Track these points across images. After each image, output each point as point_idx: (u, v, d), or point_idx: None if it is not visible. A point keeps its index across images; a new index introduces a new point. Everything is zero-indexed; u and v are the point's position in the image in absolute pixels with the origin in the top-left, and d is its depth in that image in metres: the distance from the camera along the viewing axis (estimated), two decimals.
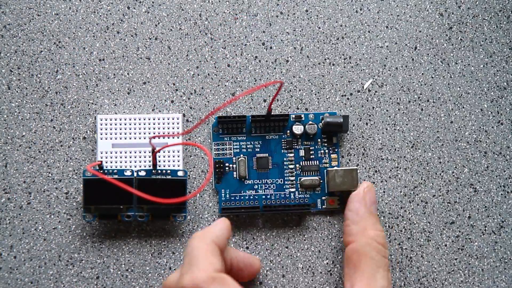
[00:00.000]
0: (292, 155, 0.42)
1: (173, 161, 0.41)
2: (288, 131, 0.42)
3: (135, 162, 0.41)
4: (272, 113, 0.42)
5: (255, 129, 0.42)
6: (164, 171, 0.40)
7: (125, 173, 0.40)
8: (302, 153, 0.42)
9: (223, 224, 0.37)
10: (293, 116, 0.42)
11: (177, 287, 0.34)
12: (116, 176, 0.40)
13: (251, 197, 0.42)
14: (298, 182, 0.42)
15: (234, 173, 0.42)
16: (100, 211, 0.40)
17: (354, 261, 0.38)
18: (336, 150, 0.42)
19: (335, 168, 0.41)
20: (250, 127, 0.42)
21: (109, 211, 0.40)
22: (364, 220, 0.39)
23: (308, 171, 0.42)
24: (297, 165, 0.42)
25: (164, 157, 0.41)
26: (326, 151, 0.42)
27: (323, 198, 0.42)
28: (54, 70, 0.43)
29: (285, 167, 0.42)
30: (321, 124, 0.42)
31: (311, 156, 0.42)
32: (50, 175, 0.42)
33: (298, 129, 0.42)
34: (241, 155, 0.42)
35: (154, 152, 0.39)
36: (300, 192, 0.42)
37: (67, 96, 0.42)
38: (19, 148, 0.42)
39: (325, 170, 0.42)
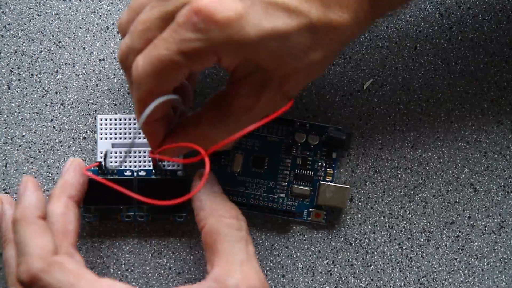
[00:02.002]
0: (289, 161, 0.42)
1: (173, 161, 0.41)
2: (291, 137, 0.42)
3: (135, 162, 0.41)
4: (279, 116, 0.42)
5: (258, 128, 0.42)
6: (164, 171, 0.40)
7: (125, 173, 0.40)
8: (299, 161, 0.42)
9: (31, 186, 0.36)
10: (298, 123, 0.42)
11: (18, 280, 0.33)
12: (116, 176, 0.40)
13: (240, 193, 0.42)
14: (289, 188, 0.42)
15: (229, 167, 0.42)
16: (100, 211, 0.40)
17: (210, 243, 0.36)
18: (333, 165, 0.42)
19: (328, 183, 0.41)
20: None
21: (109, 211, 0.40)
22: (209, 201, 0.37)
23: (301, 180, 0.42)
24: (292, 172, 0.42)
25: None
26: (323, 164, 0.42)
27: (310, 209, 0.42)
28: (54, 70, 0.43)
29: (279, 171, 0.42)
30: (324, 136, 0.42)
31: (307, 166, 0.42)
32: (50, 175, 0.42)
33: (300, 136, 0.42)
34: (239, 151, 0.42)
35: (153, 159, 0.39)
36: (289, 199, 0.42)
37: (67, 96, 0.42)
38: (19, 148, 0.42)
39: (317, 183, 0.42)
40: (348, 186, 0.41)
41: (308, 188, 0.41)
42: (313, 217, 0.42)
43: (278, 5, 0.30)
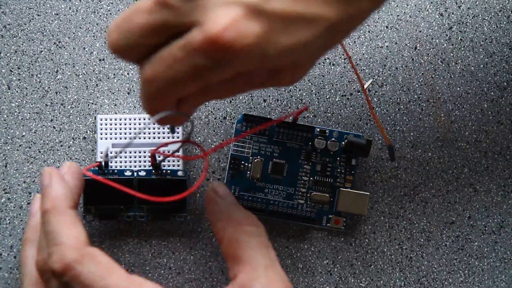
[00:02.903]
0: (308, 167, 0.42)
1: (173, 161, 0.41)
2: (310, 143, 0.42)
3: (135, 162, 0.41)
4: (298, 123, 0.42)
5: (277, 134, 0.42)
6: (164, 171, 0.40)
7: (125, 173, 0.40)
8: (318, 167, 0.42)
9: (57, 179, 0.35)
10: (318, 129, 0.42)
11: (47, 269, 0.32)
12: (116, 176, 0.40)
13: (259, 200, 0.42)
14: (308, 195, 0.42)
15: (248, 172, 0.42)
16: (100, 211, 0.40)
17: (231, 253, 0.35)
18: (352, 172, 0.42)
19: (348, 189, 0.41)
20: (273, 131, 0.42)
21: (109, 211, 0.40)
22: (225, 212, 0.37)
23: (320, 186, 0.42)
24: (311, 179, 0.42)
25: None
26: (343, 171, 0.42)
27: (330, 216, 0.42)
28: (54, 70, 0.43)
29: (299, 177, 0.42)
30: (343, 143, 0.42)
31: (327, 173, 0.42)
32: None
33: (320, 143, 0.41)
34: (259, 157, 0.42)
35: (153, 156, 0.39)
36: (308, 206, 0.42)
37: (67, 96, 0.42)
38: (19, 148, 0.42)
39: (337, 190, 0.42)
40: (367, 193, 0.41)
41: (327, 195, 0.41)
42: (332, 224, 0.42)
43: (296, 17, 0.28)
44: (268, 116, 0.43)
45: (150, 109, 0.31)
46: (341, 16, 0.29)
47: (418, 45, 0.44)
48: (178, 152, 0.41)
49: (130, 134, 0.42)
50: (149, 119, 0.42)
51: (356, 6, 0.29)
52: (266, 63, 0.29)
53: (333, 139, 0.42)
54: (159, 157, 0.39)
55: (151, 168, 0.40)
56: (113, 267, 0.32)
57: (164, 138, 0.42)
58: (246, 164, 0.42)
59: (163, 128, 0.42)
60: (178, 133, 0.42)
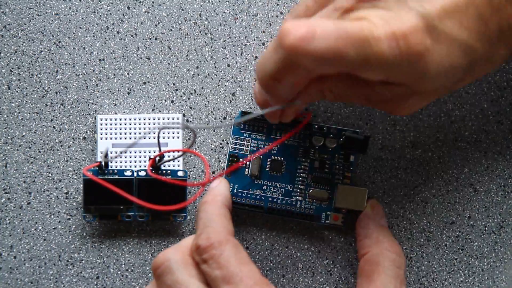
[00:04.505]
0: (306, 164, 0.42)
1: (173, 161, 0.41)
2: (308, 140, 0.42)
3: (135, 162, 0.41)
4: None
5: (275, 131, 0.42)
6: (164, 171, 0.40)
7: (125, 173, 0.40)
8: (317, 164, 0.42)
9: (224, 183, 0.39)
10: (316, 126, 0.42)
11: (191, 245, 0.35)
12: (116, 177, 0.40)
13: (258, 197, 0.42)
14: (307, 192, 0.42)
15: (246, 170, 0.42)
16: (100, 211, 0.40)
17: (367, 272, 0.38)
18: (351, 168, 0.42)
19: (346, 185, 0.41)
20: (271, 128, 0.42)
21: (109, 211, 0.40)
22: (376, 232, 0.39)
23: (319, 183, 0.42)
24: (310, 175, 0.42)
25: (164, 157, 0.41)
26: (341, 167, 0.42)
27: (328, 212, 0.42)
28: (54, 70, 0.43)
29: (297, 174, 0.42)
30: (341, 139, 0.42)
31: (325, 170, 0.42)
32: (50, 175, 0.42)
33: (318, 140, 0.42)
34: (256, 154, 0.42)
35: (152, 159, 0.39)
36: (307, 202, 0.42)
37: (67, 96, 0.42)
38: (19, 148, 0.42)
39: (335, 186, 0.42)
40: (365, 189, 0.41)
41: (326, 191, 0.42)
42: (331, 220, 0.42)
43: (460, 42, 0.30)
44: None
45: (258, 102, 0.38)
46: (483, 55, 0.32)
47: None
48: (178, 160, 0.41)
49: (130, 134, 0.42)
50: (149, 119, 0.42)
51: (499, 52, 0.32)
52: (420, 82, 0.31)
53: (331, 135, 0.42)
54: (158, 161, 0.39)
55: (151, 168, 0.40)
56: (250, 261, 0.35)
57: (164, 138, 0.42)
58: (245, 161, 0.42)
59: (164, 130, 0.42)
60: (178, 138, 0.42)
